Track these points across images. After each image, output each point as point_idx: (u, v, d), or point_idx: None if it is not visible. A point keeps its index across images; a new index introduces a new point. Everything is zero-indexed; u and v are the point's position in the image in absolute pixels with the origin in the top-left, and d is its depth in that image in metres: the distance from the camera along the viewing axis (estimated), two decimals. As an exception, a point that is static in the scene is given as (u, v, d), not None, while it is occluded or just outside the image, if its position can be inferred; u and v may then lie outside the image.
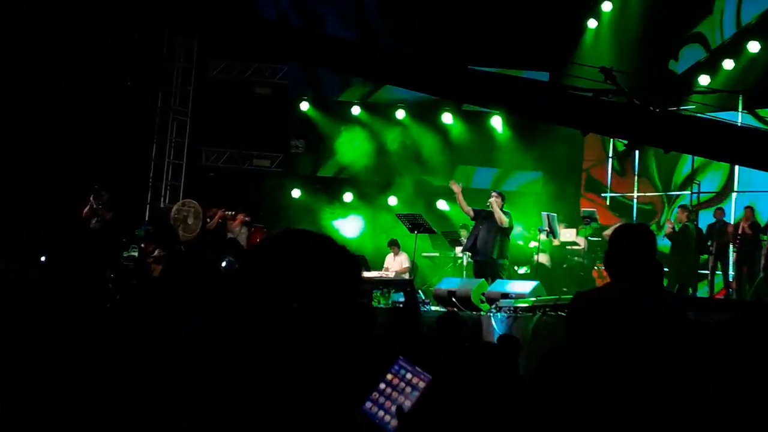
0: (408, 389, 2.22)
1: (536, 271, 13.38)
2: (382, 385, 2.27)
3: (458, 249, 14.75)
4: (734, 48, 16.41)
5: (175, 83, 18.48)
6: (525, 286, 10.80)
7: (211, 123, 18.30)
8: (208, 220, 15.19)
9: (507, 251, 12.15)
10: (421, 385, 2.21)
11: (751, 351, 2.31)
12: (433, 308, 10.62)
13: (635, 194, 17.93)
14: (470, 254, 12.38)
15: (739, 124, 12.45)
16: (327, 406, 1.56)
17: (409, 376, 2.24)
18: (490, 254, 11.86)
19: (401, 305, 3.21)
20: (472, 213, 12.21)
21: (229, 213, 15.41)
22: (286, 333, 1.54)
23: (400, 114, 18.32)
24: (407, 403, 2.20)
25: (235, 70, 18.92)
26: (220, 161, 19.06)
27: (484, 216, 12.06)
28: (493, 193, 12.11)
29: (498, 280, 11.42)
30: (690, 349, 3.79)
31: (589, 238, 14.98)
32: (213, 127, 18.39)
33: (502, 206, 12.04)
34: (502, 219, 11.88)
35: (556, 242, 14.83)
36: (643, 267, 4.18)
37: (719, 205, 16.11)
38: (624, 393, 3.74)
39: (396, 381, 2.25)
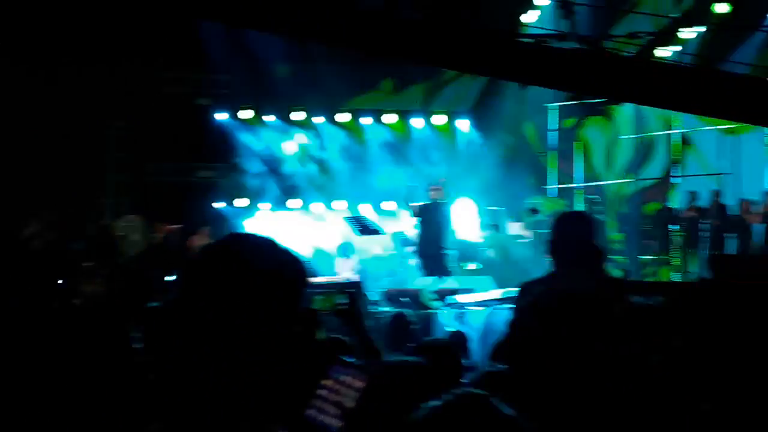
0: (347, 391, 2.22)
1: (485, 266, 13.45)
2: (321, 391, 2.27)
3: (408, 249, 14.75)
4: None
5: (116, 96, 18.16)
6: (474, 282, 10.87)
7: (154, 136, 18.04)
8: (155, 235, 14.98)
9: (450, 241, 12.09)
10: (360, 384, 2.22)
11: (679, 330, 2.34)
12: (384, 309, 10.61)
13: (580, 184, 18.15)
14: (417, 250, 12.26)
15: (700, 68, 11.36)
16: (269, 413, 1.53)
17: (346, 378, 2.24)
18: (438, 247, 11.80)
19: (344, 307, 3.19)
20: (417, 210, 12.10)
21: (175, 227, 15.23)
22: (228, 339, 1.51)
23: (344, 117, 18.43)
24: (349, 404, 2.21)
25: (176, 82, 18.68)
26: (165, 175, 18.79)
27: (428, 209, 11.97)
28: (432, 186, 12.00)
29: (447, 277, 11.46)
30: (629, 331, 3.83)
31: (537, 230, 15.11)
32: (156, 141, 18.13)
33: (443, 196, 11.96)
34: (446, 208, 11.81)
35: (504, 235, 14.94)
36: (585, 253, 4.23)
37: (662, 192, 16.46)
38: (568, 377, 3.75)
39: (334, 385, 2.25)
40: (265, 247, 1.62)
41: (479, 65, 7.66)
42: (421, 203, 11.97)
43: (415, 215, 12.17)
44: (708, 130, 16.74)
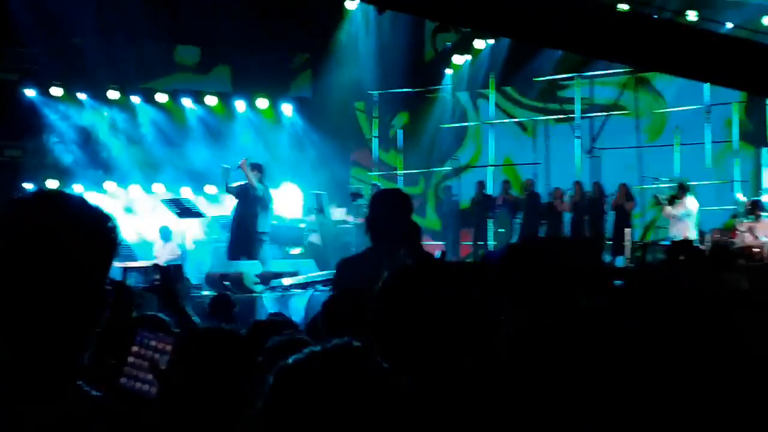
0: (157, 355, 2.19)
1: (309, 251, 13.47)
2: (131, 358, 2.24)
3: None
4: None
5: None
6: (297, 265, 10.87)
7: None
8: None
9: (267, 225, 11.80)
10: (168, 347, 2.19)
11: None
12: (206, 293, 10.41)
13: (401, 171, 18.53)
14: (233, 234, 11.96)
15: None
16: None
17: (154, 343, 2.21)
18: (250, 228, 11.54)
19: (158, 283, 3.11)
20: (234, 192, 11.81)
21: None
22: (34, 307, 1.41)
23: (162, 98, 17.93)
24: (162, 366, 2.18)
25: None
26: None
27: (239, 191, 11.71)
28: (250, 163, 11.72)
29: (271, 261, 11.38)
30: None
31: (360, 215, 15.30)
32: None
33: (261, 179, 11.71)
34: (254, 184, 11.47)
35: (328, 220, 15.02)
36: (401, 230, 4.29)
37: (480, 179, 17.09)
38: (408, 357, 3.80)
39: (143, 351, 2.21)
40: (76, 202, 1.53)
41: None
42: (238, 184, 11.72)
43: (236, 197, 11.87)
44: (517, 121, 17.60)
